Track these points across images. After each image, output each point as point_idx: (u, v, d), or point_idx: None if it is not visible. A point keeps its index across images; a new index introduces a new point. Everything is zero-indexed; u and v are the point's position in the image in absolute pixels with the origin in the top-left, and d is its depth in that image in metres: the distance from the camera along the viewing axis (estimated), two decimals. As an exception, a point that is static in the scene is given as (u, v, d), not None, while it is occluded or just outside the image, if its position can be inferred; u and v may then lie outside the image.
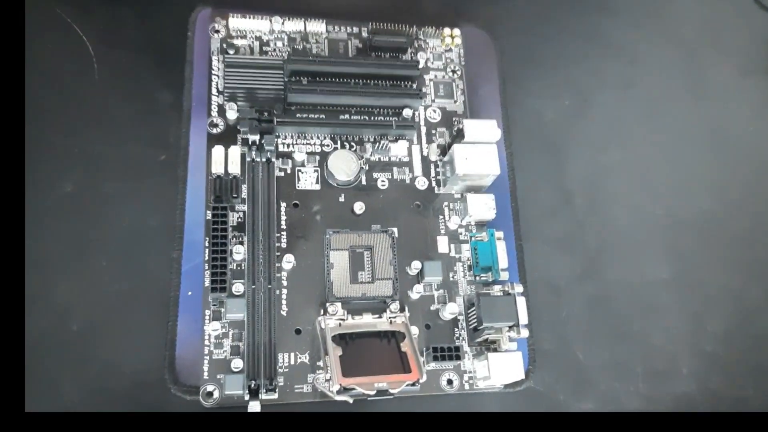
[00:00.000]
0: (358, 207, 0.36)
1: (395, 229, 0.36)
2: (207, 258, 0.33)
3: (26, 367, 0.30)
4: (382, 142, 0.37)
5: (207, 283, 0.33)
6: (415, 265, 0.35)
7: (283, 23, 0.39)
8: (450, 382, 0.34)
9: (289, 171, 0.36)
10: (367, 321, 0.34)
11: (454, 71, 0.41)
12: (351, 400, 0.31)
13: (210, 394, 0.32)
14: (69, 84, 0.34)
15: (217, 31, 0.38)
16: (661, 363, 0.39)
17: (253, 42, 0.39)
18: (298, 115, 0.37)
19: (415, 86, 0.39)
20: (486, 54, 0.42)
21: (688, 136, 0.45)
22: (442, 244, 0.37)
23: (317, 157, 0.37)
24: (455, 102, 0.40)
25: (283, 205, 0.36)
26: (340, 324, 0.33)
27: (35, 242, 0.33)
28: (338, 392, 0.30)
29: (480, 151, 0.36)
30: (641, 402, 0.37)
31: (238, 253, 0.33)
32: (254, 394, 0.31)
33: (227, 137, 0.36)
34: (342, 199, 0.36)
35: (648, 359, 0.38)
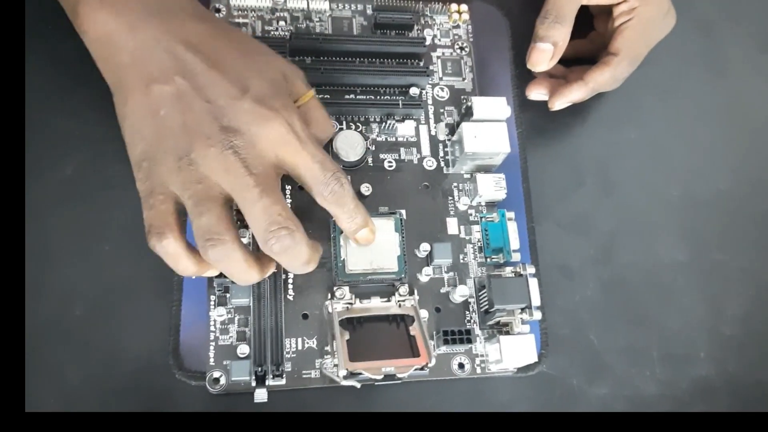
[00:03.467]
0: (365, 188, 0.35)
1: (403, 211, 0.35)
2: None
3: (29, 353, 0.30)
4: (388, 121, 0.36)
5: (211, 267, 0.32)
6: (424, 248, 0.34)
7: (285, 1, 0.38)
8: (461, 366, 0.34)
9: (293, 152, 0.36)
10: (375, 305, 0.33)
11: (462, 48, 0.40)
12: (358, 385, 0.30)
13: (217, 380, 0.31)
14: (69, 65, 0.34)
15: (219, 10, 0.37)
16: (678, 347, 0.38)
17: (254, 21, 0.38)
18: (302, 95, 0.36)
19: (422, 64, 0.38)
20: (495, 30, 0.41)
21: (705, 114, 0.44)
22: (452, 226, 0.36)
23: (322, 138, 0.36)
24: (464, 80, 0.39)
25: (288, 187, 0.35)
26: (347, 308, 0.32)
27: (36, 227, 0.32)
28: (345, 377, 0.29)
29: (489, 129, 0.35)
30: (657, 386, 0.36)
31: (243, 237, 0.32)
32: (261, 380, 0.31)
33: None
34: (348, 180, 0.36)
35: (664, 343, 0.37)
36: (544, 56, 0.36)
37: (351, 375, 0.29)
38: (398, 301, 0.33)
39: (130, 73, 0.27)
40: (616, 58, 0.37)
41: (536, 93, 0.39)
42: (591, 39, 0.41)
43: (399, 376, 0.30)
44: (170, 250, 0.27)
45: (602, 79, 0.37)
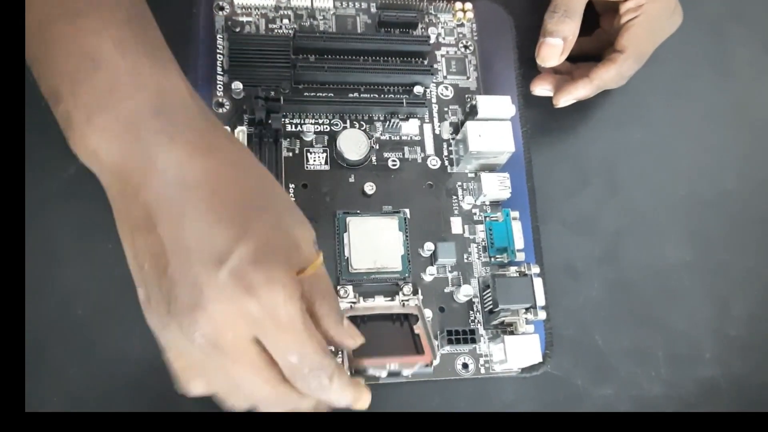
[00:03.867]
0: (369, 188, 0.35)
1: (407, 210, 0.35)
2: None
3: (32, 353, 0.30)
4: (392, 120, 0.36)
5: (214, 265, 0.32)
6: (428, 247, 0.34)
7: (289, -1, 0.38)
8: (465, 366, 0.33)
9: (297, 151, 0.35)
10: (379, 304, 0.33)
11: (466, 46, 0.40)
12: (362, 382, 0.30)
13: (218, 379, 0.31)
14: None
15: (222, 9, 0.37)
16: (684, 348, 0.37)
17: (258, 19, 0.38)
18: (305, 93, 0.36)
19: (426, 62, 0.38)
20: (500, 28, 0.40)
21: (712, 114, 0.43)
22: (456, 225, 0.36)
23: (326, 137, 0.36)
24: (468, 78, 0.39)
25: (292, 186, 0.35)
26: (351, 307, 0.32)
27: (39, 225, 0.32)
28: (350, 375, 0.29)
29: (494, 128, 0.35)
30: (662, 387, 0.36)
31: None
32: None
33: (233, 117, 0.35)
34: (352, 179, 0.35)
35: (669, 344, 0.37)
36: (554, 51, 0.36)
37: (356, 372, 0.29)
38: (402, 300, 0.33)
39: (117, 213, 0.24)
40: (622, 55, 0.37)
41: (541, 89, 0.38)
42: (596, 36, 0.40)
43: (404, 373, 0.30)
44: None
45: (608, 76, 0.37)
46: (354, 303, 0.32)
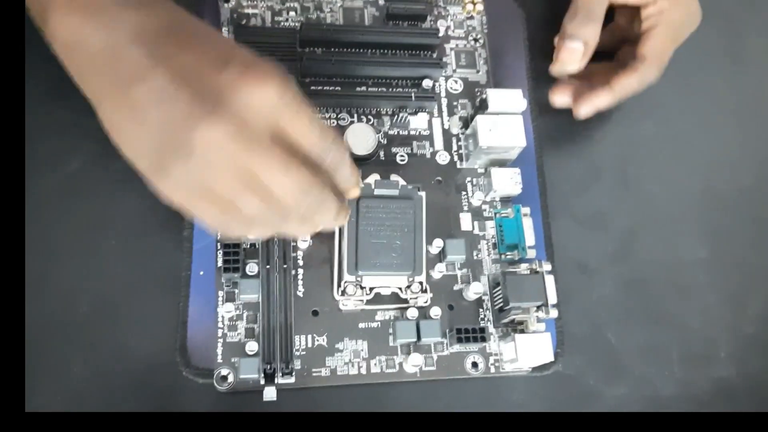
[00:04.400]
0: (377, 183, 0.35)
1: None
2: (219, 237, 0.32)
3: (35, 351, 0.30)
4: (400, 114, 0.36)
5: (219, 263, 0.32)
6: (437, 244, 0.34)
7: (295, -9, 0.37)
8: (475, 365, 0.33)
9: (303, 146, 0.35)
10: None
11: (476, 39, 0.39)
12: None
13: (225, 378, 0.30)
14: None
15: (228, 1, 0.37)
16: (698, 346, 0.37)
17: (264, 11, 0.37)
18: (312, 87, 0.36)
19: (435, 56, 0.37)
20: (510, 20, 0.40)
21: (727, 108, 0.43)
22: (465, 222, 0.35)
23: (333, 132, 0.35)
24: (478, 72, 0.38)
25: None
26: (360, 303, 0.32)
27: (42, 222, 0.32)
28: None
29: (505, 122, 0.34)
30: (676, 387, 0.36)
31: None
32: (270, 378, 0.30)
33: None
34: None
35: (684, 342, 0.37)
36: (574, 56, 0.35)
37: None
38: (411, 297, 0.32)
39: (105, 78, 0.25)
40: (644, 63, 0.36)
41: (561, 99, 0.37)
42: (611, 31, 0.39)
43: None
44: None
45: (629, 84, 0.36)
46: (362, 300, 0.32)
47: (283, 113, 0.24)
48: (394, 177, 0.34)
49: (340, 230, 0.32)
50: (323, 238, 0.33)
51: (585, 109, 0.36)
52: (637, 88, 0.36)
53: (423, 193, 0.33)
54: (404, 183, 0.33)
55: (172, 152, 0.24)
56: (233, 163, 0.24)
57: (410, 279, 0.32)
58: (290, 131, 0.25)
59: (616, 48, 0.38)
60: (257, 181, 0.24)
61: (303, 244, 0.33)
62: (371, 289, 0.32)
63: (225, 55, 0.24)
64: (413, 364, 0.32)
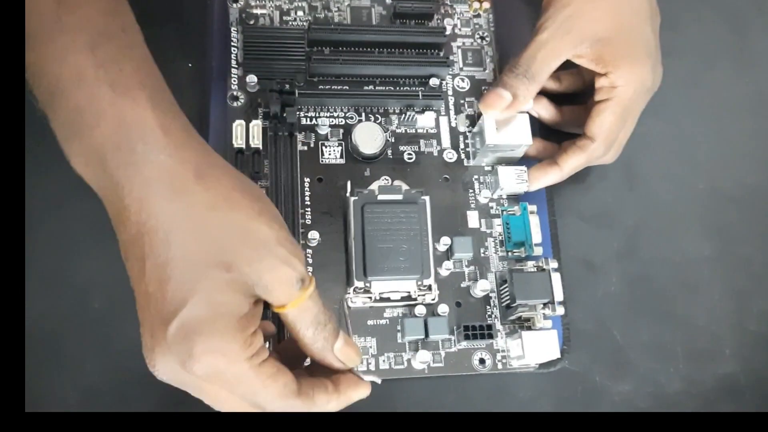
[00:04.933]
0: (384, 181, 0.35)
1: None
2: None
3: (48, 346, 0.30)
4: (408, 113, 0.36)
5: (230, 260, 0.32)
6: (445, 241, 0.34)
7: (303, -9, 0.37)
8: (482, 361, 0.33)
9: (312, 145, 0.35)
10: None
11: (483, 38, 0.39)
12: (379, 381, 0.29)
13: (234, 374, 0.31)
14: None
15: (236, 1, 0.37)
16: (703, 343, 0.37)
17: (272, 11, 0.37)
18: (320, 86, 0.36)
19: (442, 54, 0.37)
20: (517, 19, 0.40)
21: (732, 106, 0.43)
22: (473, 219, 0.35)
23: (341, 130, 0.36)
24: (485, 70, 0.39)
25: (307, 180, 0.34)
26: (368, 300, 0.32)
27: (54, 218, 0.32)
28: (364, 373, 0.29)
29: (512, 121, 0.34)
30: (681, 383, 0.36)
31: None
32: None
33: (248, 110, 0.35)
34: (368, 173, 0.35)
35: (689, 339, 0.37)
36: (500, 102, 0.33)
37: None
38: (418, 294, 0.33)
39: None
40: (591, 144, 0.34)
41: (537, 184, 0.36)
42: (579, 72, 0.38)
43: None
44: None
45: (577, 164, 0.35)
46: (370, 299, 0.32)
47: (217, 383, 0.24)
48: (397, 182, 0.35)
49: (347, 237, 0.33)
50: (332, 237, 0.34)
51: (535, 186, 0.35)
52: (585, 164, 0.36)
53: (427, 197, 0.33)
54: (407, 187, 0.34)
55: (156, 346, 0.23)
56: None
57: (419, 283, 0.33)
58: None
59: (588, 88, 0.37)
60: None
61: (312, 242, 0.33)
62: (380, 294, 0.33)
63: (174, 310, 0.22)
64: (421, 360, 0.32)
